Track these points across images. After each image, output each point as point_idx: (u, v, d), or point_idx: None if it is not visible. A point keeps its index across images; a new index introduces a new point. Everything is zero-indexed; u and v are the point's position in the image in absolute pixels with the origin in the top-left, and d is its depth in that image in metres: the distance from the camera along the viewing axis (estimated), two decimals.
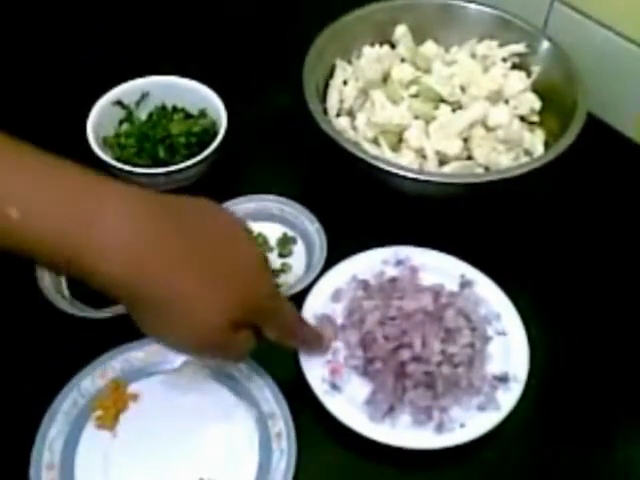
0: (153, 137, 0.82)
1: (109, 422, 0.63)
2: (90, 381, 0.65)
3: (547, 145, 0.80)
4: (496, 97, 0.82)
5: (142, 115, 0.85)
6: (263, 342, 0.59)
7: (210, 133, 0.82)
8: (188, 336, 0.53)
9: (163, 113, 0.85)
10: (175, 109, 0.85)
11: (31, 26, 1.02)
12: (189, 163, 0.76)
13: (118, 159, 0.78)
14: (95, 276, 0.49)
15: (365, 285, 0.72)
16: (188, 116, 0.84)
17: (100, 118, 0.81)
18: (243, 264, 0.55)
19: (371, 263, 0.74)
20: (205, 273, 0.52)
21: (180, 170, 0.76)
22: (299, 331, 0.64)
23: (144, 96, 0.85)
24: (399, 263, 0.74)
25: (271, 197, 0.79)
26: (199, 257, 0.52)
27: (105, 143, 0.81)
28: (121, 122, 0.84)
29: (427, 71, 0.86)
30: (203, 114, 0.84)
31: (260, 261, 0.57)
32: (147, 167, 0.78)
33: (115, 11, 1.04)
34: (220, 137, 0.79)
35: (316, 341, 0.66)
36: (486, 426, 0.63)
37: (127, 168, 0.76)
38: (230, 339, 0.54)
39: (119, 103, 0.83)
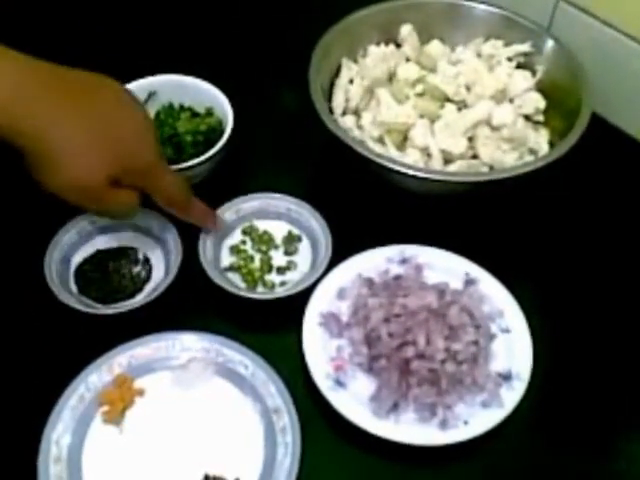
0: (160, 136, 0.82)
1: (115, 417, 0.64)
2: (97, 376, 0.66)
3: (552, 144, 0.81)
4: (501, 96, 0.82)
5: (149, 114, 0.85)
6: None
7: (217, 132, 0.82)
8: (69, 186, 0.59)
9: (170, 112, 0.85)
10: (182, 108, 0.86)
11: (36, 26, 1.02)
12: (196, 161, 0.77)
13: None
14: None
15: (370, 283, 0.72)
16: (195, 115, 0.85)
17: None
18: (128, 129, 0.61)
19: (376, 261, 0.74)
20: (88, 129, 0.58)
21: (187, 168, 0.77)
22: (187, 203, 0.69)
23: (151, 95, 0.85)
24: (404, 261, 0.74)
25: (277, 195, 0.79)
26: (80, 114, 0.58)
27: None
28: None
29: (432, 70, 0.86)
30: (210, 113, 0.84)
31: (145, 129, 0.63)
32: None
33: (122, 10, 1.04)
34: (226, 136, 0.79)
35: (208, 217, 0.73)
36: (489, 423, 0.63)
37: None
38: (108, 194, 0.61)
39: None
